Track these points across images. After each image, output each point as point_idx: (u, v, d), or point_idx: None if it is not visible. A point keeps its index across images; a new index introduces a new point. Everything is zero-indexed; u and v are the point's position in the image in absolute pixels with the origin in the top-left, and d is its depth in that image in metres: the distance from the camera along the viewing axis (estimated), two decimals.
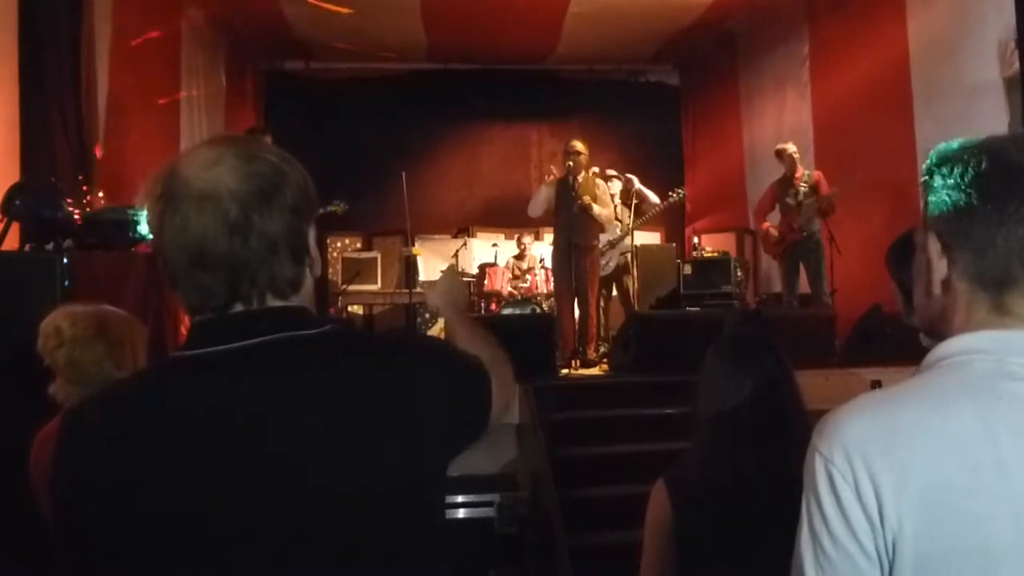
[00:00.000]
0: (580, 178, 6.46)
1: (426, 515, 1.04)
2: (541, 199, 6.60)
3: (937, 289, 1.03)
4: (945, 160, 1.03)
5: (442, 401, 1.06)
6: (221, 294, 1.00)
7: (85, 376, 2.04)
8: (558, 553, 2.66)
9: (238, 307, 1.01)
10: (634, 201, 7.15)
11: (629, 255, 7.13)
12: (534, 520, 2.63)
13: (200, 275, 0.99)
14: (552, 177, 6.68)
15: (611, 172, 7.41)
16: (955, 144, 1.03)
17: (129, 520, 0.93)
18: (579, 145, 6.53)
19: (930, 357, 1.00)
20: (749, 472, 1.68)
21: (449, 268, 1.62)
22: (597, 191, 6.61)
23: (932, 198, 1.03)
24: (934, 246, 1.02)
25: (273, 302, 1.03)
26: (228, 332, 1.00)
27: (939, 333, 1.02)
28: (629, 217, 7.21)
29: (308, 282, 1.08)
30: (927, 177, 1.04)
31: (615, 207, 7.11)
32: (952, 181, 1.01)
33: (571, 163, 6.42)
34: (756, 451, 1.70)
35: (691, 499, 1.73)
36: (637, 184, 7.18)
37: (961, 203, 0.99)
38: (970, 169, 0.99)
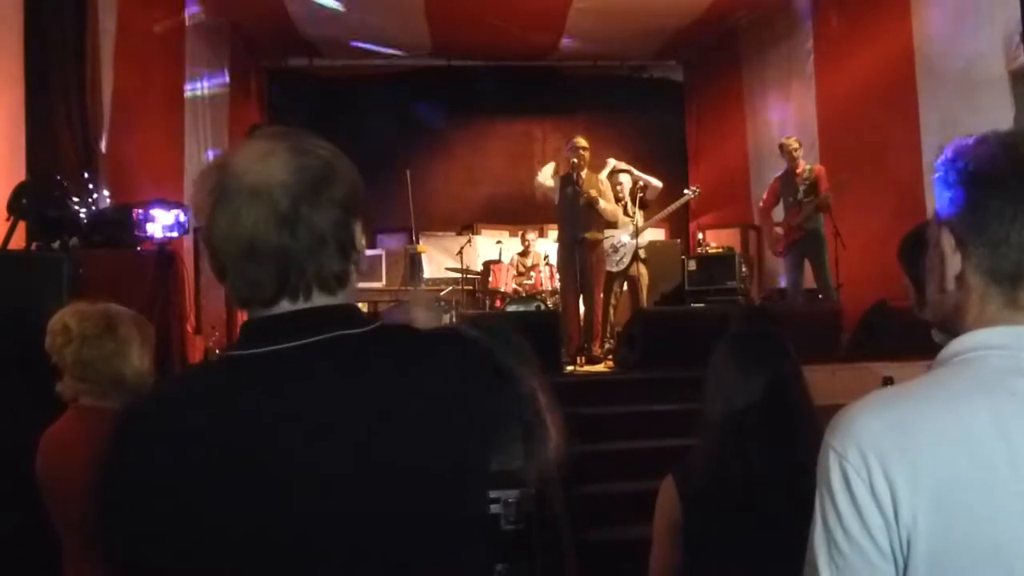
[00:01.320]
0: (584, 174, 6.46)
1: (472, 520, 1.05)
2: (547, 177, 6.58)
3: (951, 284, 1.02)
4: (959, 155, 1.02)
5: (486, 401, 1.06)
6: (269, 286, 1.00)
7: (93, 374, 2.05)
8: (565, 549, 2.67)
9: (285, 301, 1.02)
10: (638, 195, 7.13)
11: (642, 252, 7.10)
12: (541, 516, 2.64)
13: (249, 267, 1.00)
14: (555, 167, 6.67)
15: (621, 166, 7.39)
16: (970, 140, 1.02)
17: (180, 523, 0.94)
18: (582, 141, 6.53)
19: (945, 353, 1.00)
20: (758, 468, 1.69)
21: (413, 296, 1.49)
22: (600, 187, 6.61)
23: (946, 193, 1.03)
24: (948, 241, 1.02)
25: (319, 296, 1.03)
26: (279, 332, 1.01)
27: (953, 328, 1.02)
28: (640, 214, 7.19)
29: (354, 278, 1.08)
30: (941, 172, 1.04)
31: (626, 203, 7.10)
32: (966, 177, 1.00)
33: (575, 159, 6.43)
34: (765, 447, 1.70)
35: (700, 494, 1.73)
36: (635, 172, 7.15)
37: (975, 199, 0.99)
38: (984, 165, 0.99)
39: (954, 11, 6.29)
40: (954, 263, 1.02)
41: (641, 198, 7.10)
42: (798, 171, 6.76)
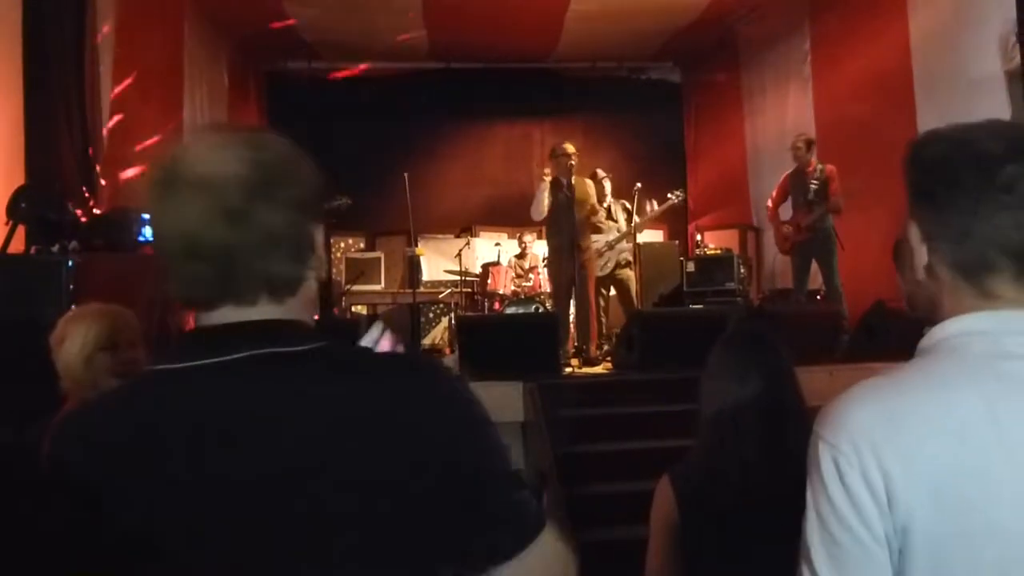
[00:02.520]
0: (573, 180, 6.49)
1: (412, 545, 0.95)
2: (542, 202, 6.61)
3: (920, 275, 1.05)
4: (923, 148, 1.04)
5: (430, 430, 0.95)
6: (213, 286, 0.95)
7: (75, 374, 2.20)
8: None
9: (228, 305, 0.96)
10: (635, 204, 7.18)
11: (629, 255, 7.12)
12: None
13: (193, 264, 0.94)
14: (547, 176, 6.69)
15: (600, 172, 7.44)
16: (935, 133, 1.04)
17: (93, 524, 0.93)
18: (570, 147, 6.56)
19: (927, 340, 1.02)
20: (753, 467, 1.70)
21: (384, 315, 1.32)
22: (589, 191, 6.65)
23: (910, 188, 1.05)
24: (915, 234, 1.04)
25: (266, 302, 0.97)
26: (208, 346, 0.95)
27: (932, 320, 1.04)
28: (625, 218, 7.21)
29: (310, 284, 1.02)
30: (909, 164, 1.06)
31: (609, 207, 7.15)
32: (924, 172, 1.03)
33: (562, 165, 6.46)
34: (760, 446, 1.71)
35: (696, 494, 1.74)
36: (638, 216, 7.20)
37: (934, 194, 1.01)
38: (945, 159, 1.01)
39: (950, 11, 6.31)
40: (922, 254, 1.04)
41: (638, 207, 7.15)
42: (809, 169, 6.71)
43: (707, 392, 1.82)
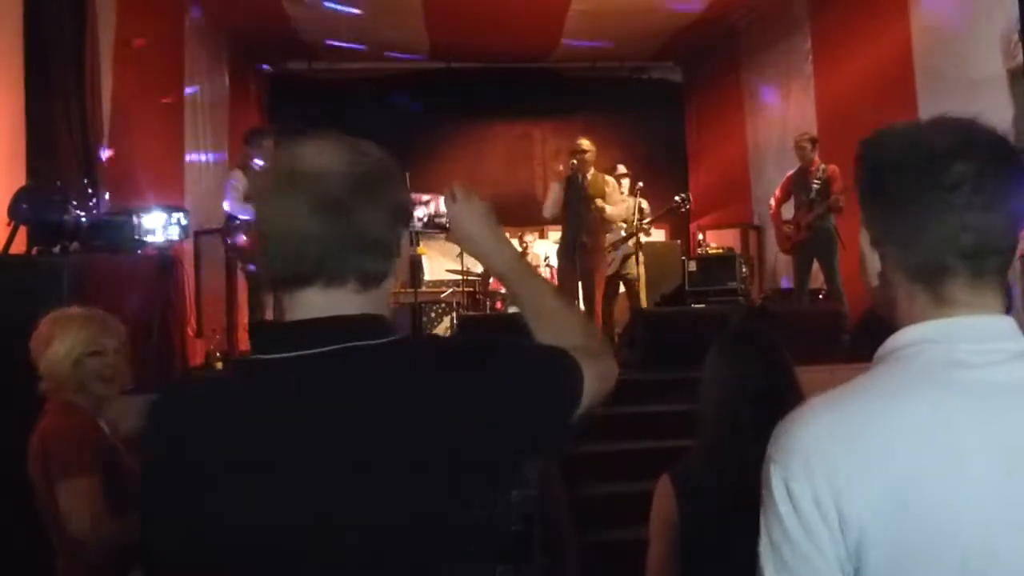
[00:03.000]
0: (589, 176, 6.46)
1: (485, 530, 1.04)
2: (554, 199, 6.59)
3: (874, 281, 1.03)
4: (873, 148, 1.01)
5: (512, 407, 1.04)
6: (307, 267, 1.02)
7: (61, 377, 2.25)
8: (567, 550, 2.68)
9: (318, 284, 1.03)
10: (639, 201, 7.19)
11: (634, 255, 7.11)
12: (542, 517, 2.65)
13: (292, 246, 1.02)
14: (560, 171, 6.67)
15: (621, 169, 7.42)
16: (885, 132, 1.02)
17: (201, 507, 0.99)
18: (586, 143, 6.52)
19: (882, 350, 1.00)
20: (753, 465, 1.69)
21: (457, 192, 1.33)
22: (607, 188, 6.60)
23: (861, 187, 1.02)
24: (864, 239, 1.02)
25: (351, 286, 1.04)
26: (298, 339, 1.02)
27: (893, 323, 1.02)
28: (638, 217, 7.21)
29: (389, 281, 1.10)
30: (858, 165, 1.03)
31: (625, 204, 7.14)
32: (878, 171, 1.00)
33: (576, 161, 6.43)
34: (759, 444, 1.71)
35: (696, 492, 1.74)
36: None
37: (882, 198, 0.99)
38: (893, 159, 0.98)
39: (952, 11, 6.30)
40: (873, 261, 1.02)
41: (641, 210, 7.15)
42: (812, 169, 6.71)
43: (705, 390, 1.82)
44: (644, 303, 7.08)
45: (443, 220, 1.34)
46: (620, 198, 6.81)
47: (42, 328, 2.28)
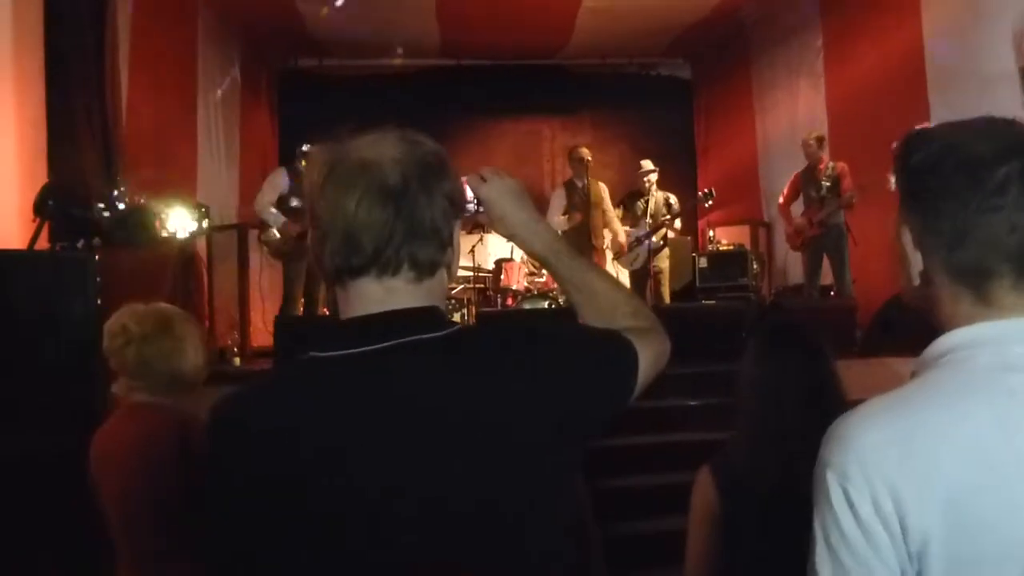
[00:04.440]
0: (588, 183, 6.55)
1: (554, 512, 1.05)
2: (556, 210, 6.68)
3: (916, 280, 1.02)
4: (912, 151, 1.00)
5: (573, 393, 1.05)
6: (364, 255, 1.02)
7: (151, 372, 2.10)
8: (591, 541, 2.71)
9: (373, 272, 1.03)
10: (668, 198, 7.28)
11: (660, 250, 7.16)
12: None
13: (350, 235, 1.01)
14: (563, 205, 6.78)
15: (648, 165, 7.47)
16: (924, 134, 1.01)
17: (265, 512, 0.98)
18: (585, 152, 6.63)
19: (929, 353, 0.99)
20: (796, 459, 1.71)
21: (493, 177, 1.32)
22: (603, 194, 6.69)
23: (902, 190, 1.02)
24: (907, 240, 1.02)
25: (407, 274, 1.04)
26: (360, 334, 1.03)
27: (934, 322, 1.01)
28: (665, 213, 7.26)
29: (443, 273, 1.09)
30: (898, 168, 1.02)
31: (648, 200, 7.19)
32: (915, 176, 0.99)
33: (577, 169, 6.55)
34: (802, 438, 1.73)
35: (738, 486, 1.76)
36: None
37: (926, 199, 0.98)
38: (935, 163, 0.97)
39: (963, 7, 6.29)
40: (916, 261, 1.01)
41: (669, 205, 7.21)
42: (820, 167, 6.73)
43: (746, 383, 1.84)
44: (667, 298, 7.14)
45: (472, 205, 1.27)
46: (611, 206, 6.98)
47: (174, 325, 2.12)
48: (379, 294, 1.04)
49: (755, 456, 1.76)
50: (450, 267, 1.11)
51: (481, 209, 1.29)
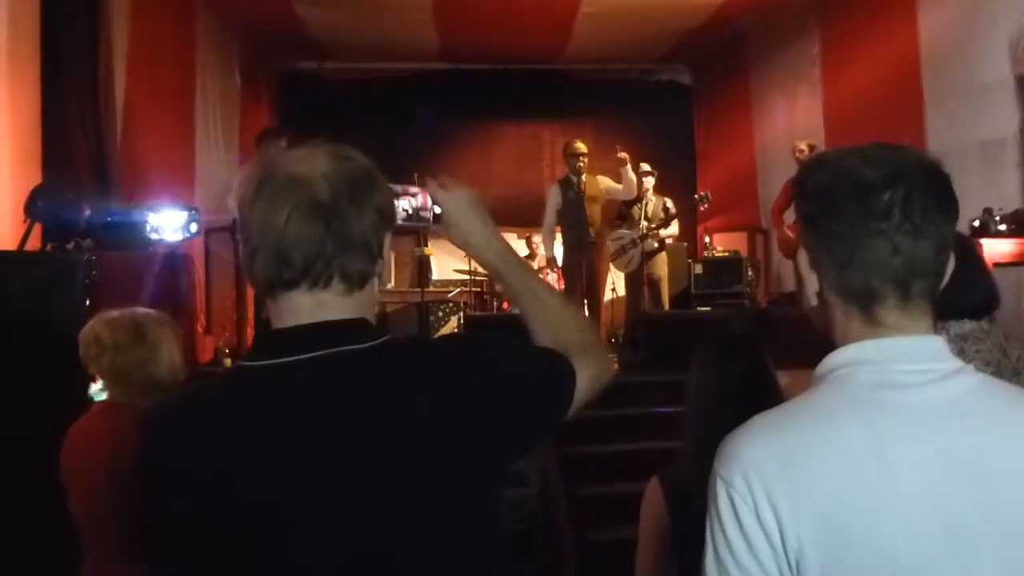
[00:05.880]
0: (584, 178, 6.52)
1: (483, 522, 1.07)
2: (551, 207, 6.65)
3: (813, 300, 1.06)
4: (807, 177, 1.04)
5: (501, 404, 1.07)
6: (295, 269, 1.04)
7: (127, 378, 2.13)
8: (566, 549, 2.72)
9: (304, 286, 1.05)
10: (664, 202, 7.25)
11: (653, 255, 7.14)
12: (543, 516, 2.69)
13: (280, 249, 1.03)
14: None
15: (644, 168, 7.47)
16: (819, 160, 1.05)
17: (201, 508, 1.00)
18: (582, 146, 6.59)
19: (819, 370, 1.03)
20: None
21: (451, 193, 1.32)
22: (601, 187, 6.67)
23: (799, 214, 1.05)
24: (803, 260, 1.05)
25: (338, 287, 1.06)
26: (288, 345, 1.05)
27: (831, 342, 1.04)
28: (662, 216, 7.25)
29: (373, 284, 1.12)
30: (795, 192, 1.06)
31: (646, 202, 7.18)
32: (811, 199, 1.03)
33: (572, 164, 6.51)
34: None
35: (683, 494, 1.78)
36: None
37: (819, 222, 1.01)
38: (826, 188, 1.01)
39: (960, 16, 6.30)
40: (812, 281, 1.05)
41: (666, 209, 7.19)
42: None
43: (690, 393, 1.87)
44: (666, 304, 7.13)
45: (429, 213, 1.31)
46: (616, 185, 6.83)
47: (148, 331, 2.14)
48: (309, 306, 1.06)
49: (695, 466, 1.78)
50: (380, 277, 1.14)
51: (439, 214, 1.31)
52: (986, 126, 5.85)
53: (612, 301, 7.64)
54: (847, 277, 1.00)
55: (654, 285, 7.12)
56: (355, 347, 1.05)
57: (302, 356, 1.03)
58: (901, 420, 0.94)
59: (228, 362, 5.92)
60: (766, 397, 1.81)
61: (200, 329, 6.19)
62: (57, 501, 2.21)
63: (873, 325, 1.00)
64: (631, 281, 7.26)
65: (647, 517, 1.83)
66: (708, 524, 0.98)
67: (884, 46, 7.01)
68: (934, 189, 0.98)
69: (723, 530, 0.95)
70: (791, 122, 8.55)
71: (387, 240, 1.13)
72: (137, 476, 1.07)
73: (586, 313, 6.59)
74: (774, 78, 8.96)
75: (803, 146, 6.81)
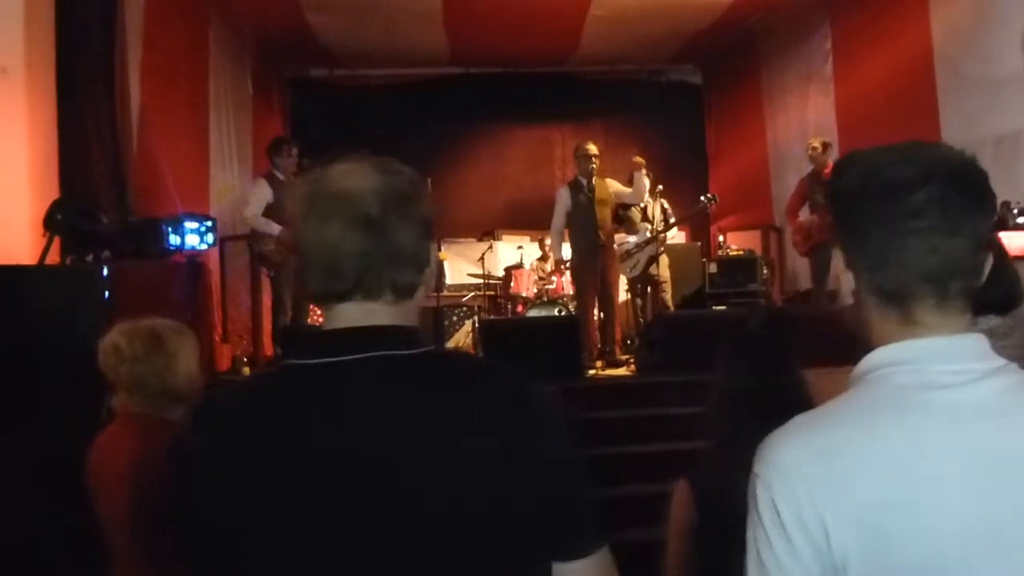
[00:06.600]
0: (594, 180, 6.50)
1: (513, 536, 1.06)
2: (561, 209, 6.63)
3: (849, 299, 1.06)
4: (839, 176, 1.04)
5: (527, 431, 1.08)
6: (348, 281, 1.08)
7: (145, 387, 2.14)
8: None
9: (355, 299, 1.09)
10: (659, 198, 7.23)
11: (658, 258, 7.11)
12: None
13: (331, 267, 1.07)
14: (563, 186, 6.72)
15: (637, 159, 7.45)
16: (851, 159, 1.05)
17: (237, 499, 1.03)
18: (593, 148, 6.55)
19: (856, 371, 1.02)
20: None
21: None
22: (610, 189, 6.66)
23: (834, 214, 1.05)
24: (839, 260, 1.05)
25: (388, 298, 1.10)
26: (336, 346, 1.09)
27: (864, 341, 1.04)
28: (662, 218, 7.23)
29: (420, 291, 1.16)
30: (829, 192, 1.06)
31: (646, 205, 7.17)
32: (844, 199, 1.03)
33: (583, 166, 6.49)
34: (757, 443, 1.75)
35: (710, 494, 1.78)
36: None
37: (851, 222, 1.02)
38: (858, 188, 1.00)
39: (972, 11, 6.27)
40: (847, 280, 1.05)
41: (664, 211, 7.17)
42: (826, 172, 6.70)
43: (713, 393, 1.87)
44: (671, 306, 7.10)
45: None
46: (625, 189, 6.80)
47: (165, 340, 2.15)
48: (358, 315, 1.10)
49: (724, 467, 1.78)
50: (427, 285, 1.17)
51: None
52: (1001, 120, 5.81)
53: (626, 303, 7.63)
54: (882, 277, 0.99)
55: (657, 286, 7.10)
56: (401, 352, 1.09)
57: (349, 357, 1.07)
58: (942, 420, 0.93)
59: (247, 370, 5.96)
60: (793, 397, 1.80)
61: (217, 338, 6.23)
62: (81, 512, 2.23)
63: (911, 325, 0.99)
64: (634, 284, 7.24)
65: (676, 518, 1.83)
66: (749, 526, 0.97)
67: (896, 42, 6.98)
68: (969, 187, 0.98)
69: (765, 533, 0.94)
70: (803, 120, 8.52)
71: (432, 249, 1.17)
72: (176, 463, 1.12)
73: (600, 316, 6.59)
74: (785, 76, 8.94)
75: (817, 144, 6.77)
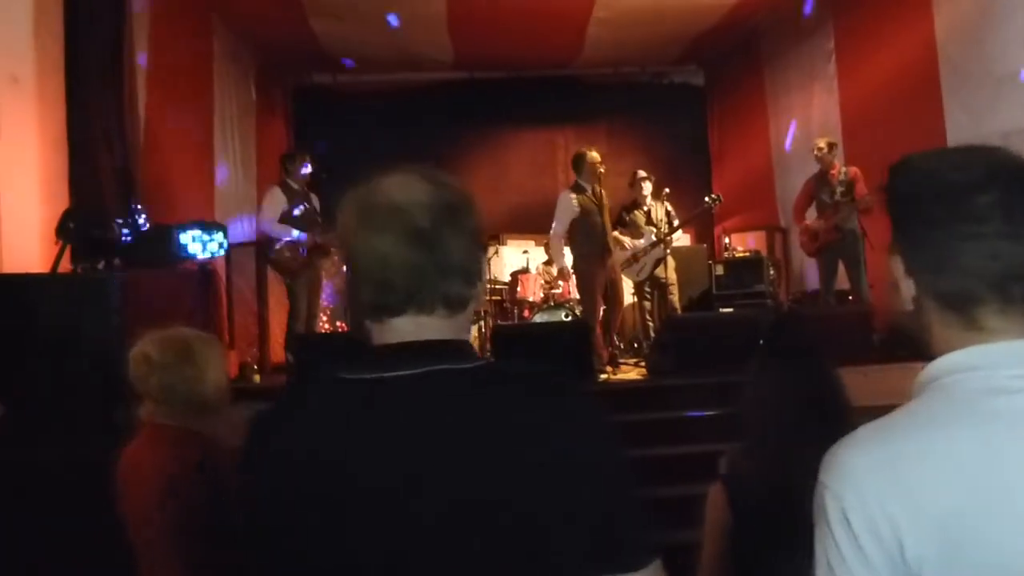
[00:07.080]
0: (598, 187, 6.50)
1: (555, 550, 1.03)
2: (567, 214, 6.59)
3: (909, 306, 1.04)
4: (895, 180, 1.03)
5: (588, 442, 1.06)
6: (400, 295, 1.07)
7: (174, 397, 2.15)
8: None
9: (409, 314, 1.09)
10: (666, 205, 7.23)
11: (664, 261, 7.11)
12: None
13: (386, 277, 1.07)
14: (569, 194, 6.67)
15: (642, 173, 7.45)
16: (907, 163, 1.04)
17: (302, 510, 1.04)
18: (596, 154, 6.56)
19: (922, 378, 1.01)
20: (797, 470, 1.73)
21: None
22: (605, 200, 6.68)
23: (891, 218, 1.04)
24: (897, 266, 1.04)
25: (441, 312, 1.09)
26: (391, 360, 1.08)
27: (925, 347, 1.03)
28: (666, 220, 7.22)
29: (473, 304, 1.15)
30: (886, 197, 1.05)
31: (649, 209, 7.16)
32: (902, 204, 1.02)
33: (590, 172, 6.48)
34: (802, 449, 1.74)
35: (746, 497, 1.78)
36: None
37: (910, 227, 1.01)
38: (916, 192, 1.00)
39: (976, 8, 6.26)
40: (907, 287, 1.03)
41: (668, 213, 7.18)
42: (833, 172, 6.71)
43: (753, 399, 1.86)
44: (679, 308, 7.10)
45: None
46: (641, 202, 6.88)
47: (194, 350, 2.16)
48: (411, 329, 1.10)
49: (761, 467, 1.78)
50: (478, 299, 1.16)
51: None
52: (1006, 118, 5.80)
53: (632, 306, 7.62)
54: (943, 282, 0.98)
55: (664, 289, 7.09)
56: (455, 366, 1.08)
57: (403, 372, 1.06)
58: (1013, 426, 0.92)
59: (257, 378, 5.95)
60: (834, 402, 1.80)
61: (226, 339, 6.24)
62: (102, 522, 2.23)
63: (975, 331, 0.98)
64: (640, 288, 7.23)
65: (711, 520, 1.83)
66: (818, 538, 0.96)
67: (900, 40, 6.97)
68: None
69: (836, 544, 0.93)
70: (807, 120, 8.52)
71: (483, 261, 1.17)
72: (240, 472, 1.11)
73: (607, 319, 6.59)
74: (789, 76, 8.93)
75: (823, 144, 6.78)
